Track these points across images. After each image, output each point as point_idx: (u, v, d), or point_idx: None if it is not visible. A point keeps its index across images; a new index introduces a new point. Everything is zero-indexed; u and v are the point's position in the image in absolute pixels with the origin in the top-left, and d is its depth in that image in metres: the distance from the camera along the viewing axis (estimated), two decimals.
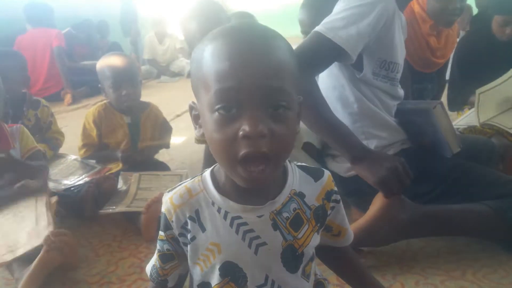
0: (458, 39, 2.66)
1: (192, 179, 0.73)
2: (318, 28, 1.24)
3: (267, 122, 0.58)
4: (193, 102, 0.68)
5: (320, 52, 1.24)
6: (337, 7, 1.28)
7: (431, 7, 2.07)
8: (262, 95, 0.58)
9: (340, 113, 1.38)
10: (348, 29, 1.21)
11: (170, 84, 5.36)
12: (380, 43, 1.31)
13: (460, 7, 1.99)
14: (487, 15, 2.33)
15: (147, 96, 2.00)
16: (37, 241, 1.27)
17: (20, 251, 1.27)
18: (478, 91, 1.99)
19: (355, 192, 1.43)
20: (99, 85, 1.93)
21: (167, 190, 0.73)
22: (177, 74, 5.65)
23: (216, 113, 0.59)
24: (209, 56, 0.61)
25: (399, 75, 1.42)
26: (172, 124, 2.18)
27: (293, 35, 2.44)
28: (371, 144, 1.39)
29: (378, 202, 1.26)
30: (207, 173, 0.73)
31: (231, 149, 0.59)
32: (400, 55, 1.40)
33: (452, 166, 1.36)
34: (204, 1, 1.81)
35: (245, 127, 0.57)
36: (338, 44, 1.21)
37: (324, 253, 0.85)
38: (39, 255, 1.24)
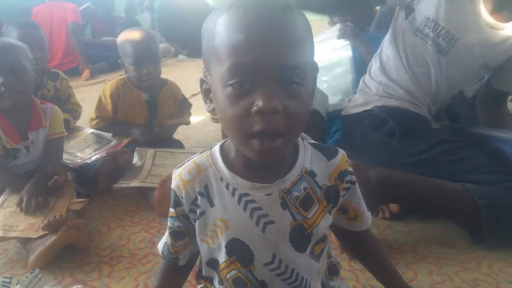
0: None
1: (201, 154, 0.72)
2: None
3: (281, 97, 0.56)
4: (204, 76, 0.66)
5: None
6: None
7: None
8: (277, 70, 0.56)
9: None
10: None
11: (187, 63, 5.33)
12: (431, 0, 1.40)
13: None
14: None
15: (164, 74, 1.98)
16: (32, 234, 1.28)
17: (11, 234, 1.28)
18: None
19: (347, 137, 1.54)
20: (119, 61, 1.91)
21: (177, 167, 0.72)
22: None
23: (230, 88, 0.58)
24: (223, 28, 0.58)
25: (446, 44, 1.40)
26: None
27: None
28: (380, 89, 1.47)
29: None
30: (216, 147, 0.71)
31: (243, 124, 0.57)
32: (451, 22, 1.39)
33: (445, 139, 1.35)
34: None
35: (258, 103, 0.55)
36: None
37: (343, 235, 0.83)
38: (55, 236, 1.24)
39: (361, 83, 1.58)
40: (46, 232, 1.27)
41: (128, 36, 1.86)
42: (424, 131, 1.38)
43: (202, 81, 0.67)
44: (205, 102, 0.67)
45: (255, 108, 0.56)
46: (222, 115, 0.61)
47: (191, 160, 0.71)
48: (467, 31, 1.39)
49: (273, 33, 0.56)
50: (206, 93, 0.67)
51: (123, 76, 1.93)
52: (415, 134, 1.36)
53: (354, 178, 0.75)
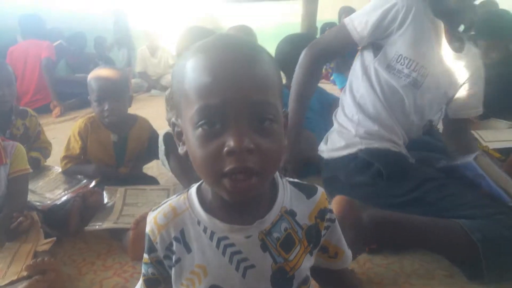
0: None
1: (178, 196, 0.70)
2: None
3: (253, 136, 0.56)
4: (176, 119, 0.66)
5: (336, 38, 1.53)
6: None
7: None
8: (247, 109, 0.56)
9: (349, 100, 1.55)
10: (360, 19, 1.44)
11: (160, 98, 5.30)
12: (400, 38, 1.43)
13: None
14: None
15: (137, 110, 1.96)
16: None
17: None
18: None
19: (331, 179, 1.50)
20: (88, 97, 1.89)
21: (152, 209, 0.70)
22: (167, 88, 5.62)
23: (200, 129, 0.57)
24: (191, 71, 0.58)
25: (421, 78, 1.44)
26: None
27: None
28: (360, 130, 1.47)
29: (338, 203, 1.23)
30: (193, 189, 0.70)
31: (215, 165, 0.56)
32: (423, 56, 1.43)
33: (430, 177, 1.36)
34: (197, 30, 1.82)
35: (230, 143, 0.55)
36: (349, 30, 1.46)
37: (321, 276, 0.81)
38: (24, 284, 1.17)
39: (335, 124, 1.58)
40: (14, 279, 1.19)
41: (95, 73, 1.85)
42: (409, 171, 1.39)
43: (173, 124, 0.66)
44: (178, 145, 0.66)
45: (226, 148, 0.55)
46: (194, 156, 0.60)
47: (168, 203, 0.69)
48: (435, 62, 1.45)
49: (241, 72, 0.56)
50: (178, 136, 0.66)
51: (93, 114, 1.90)
52: (401, 174, 1.36)
53: (334, 216, 0.74)
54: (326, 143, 1.57)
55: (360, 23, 1.44)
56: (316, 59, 1.57)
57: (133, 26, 6.45)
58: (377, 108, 1.48)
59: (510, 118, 2.27)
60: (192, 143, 0.59)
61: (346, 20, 1.49)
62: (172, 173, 1.89)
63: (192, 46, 0.63)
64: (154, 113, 3.99)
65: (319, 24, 5.84)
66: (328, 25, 5.37)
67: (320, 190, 0.74)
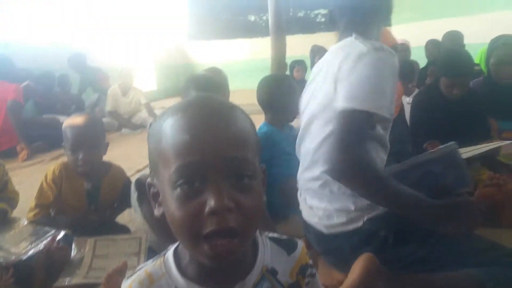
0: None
1: (154, 261, 0.67)
2: (354, 106, 1.21)
3: (233, 194, 0.56)
4: (151, 179, 0.64)
5: (364, 127, 1.24)
6: (358, 75, 1.24)
7: None
8: (226, 167, 0.56)
9: None
10: (382, 98, 1.23)
11: (131, 137, 5.25)
12: None
13: None
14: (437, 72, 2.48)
15: (108, 150, 1.92)
16: None
17: None
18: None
19: (334, 251, 1.40)
20: (62, 144, 1.85)
21: (126, 277, 0.66)
22: (139, 126, 5.56)
23: (178, 189, 0.56)
24: (169, 130, 0.58)
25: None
26: (132, 179, 2.08)
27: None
28: (359, 202, 1.34)
29: (356, 270, 1.22)
30: (170, 253, 0.67)
31: (195, 226, 0.55)
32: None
33: (430, 231, 1.30)
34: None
35: (210, 202, 0.54)
36: (382, 114, 1.23)
37: None
38: None
39: (325, 201, 1.41)
40: None
41: (69, 121, 1.82)
42: (411, 230, 1.33)
43: (149, 185, 0.65)
44: (154, 207, 0.65)
45: (207, 208, 0.54)
46: (172, 218, 0.58)
47: (143, 269, 0.66)
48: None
49: (219, 130, 0.57)
50: (155, 197, 0.64)
51: (65, 159, 1.85)
52: (405, 236, 1.32)
53: (314, 270, 0.74)
54: (321, 218, 1.42)
55: (387, 105, 1.26)
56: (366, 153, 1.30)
57: (105, 64, 6.42)
58: None
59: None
60: (170, 203, 0.58)
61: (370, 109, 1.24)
62: (144, 221, 1.84)
63: (168, 107, 0.63)
64: (125, 153, 3.93)
65: (288, 60, 6.00)
66: (297, 63, 5.49)
67: (300, 244, 0.73)
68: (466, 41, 4.63)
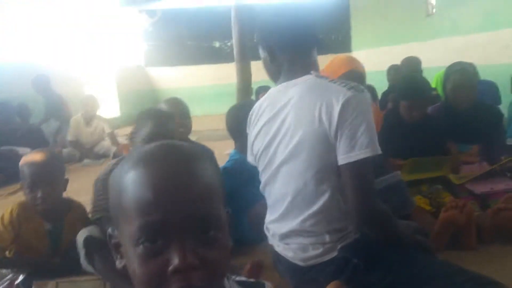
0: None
1: None
2: (362, 156, 1.26)
3: (198, 250, 0.54)
4: (112, 230, 0.62)
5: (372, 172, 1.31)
6: (358, 122, 1.27)
7: None
8: (190, 222, 0.54)
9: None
10: (376, 137, 1.30)
11: (93, 168, 5.09)
12: None
13: None
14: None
15: (69, 182, 1.86)
16: None
17: None
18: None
19: (310, 282, 1.39)
20: (20, 182, 1.77)
21: None
22: (101, 156, 5.41)
23: (140, 246, 0.54)
24: (130, 185, 0.56)
25: None
26: None
27: (222, 112, 2.49)
28: (333, 235, 1.37)
29: None
30: None
31: (158, 284, 0.53)
32: None
33: (400, 255, 1.35)
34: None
35: (174, 261, 0.52)
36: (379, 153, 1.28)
37: None
38: None
39: (297, 236, 1.41)
40: None
41: (26, 158, 1.76)
42: (379, 255, 1.35)
43: (110, 236, 0.62)
44: (116, 258, 0.62)
45: (171, 267, 0.52)
46: (134, 274, 0.56)
47: None
48: None
49: (182, 186, 0.55)
50: (116, 248, 0.61)
51: (23, 199, 1.78)
52: (374, 261, 1.33)
53: None
54: (296, 252, 1.41)
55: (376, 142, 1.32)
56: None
57: (65, 90, 6.25)
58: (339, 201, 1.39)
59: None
60: (132, 260, 0.55)
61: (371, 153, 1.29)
62: (100, 276, 1.72)
63: (129, 156, 0.61)
64: (86, 186, 3.80)
65: (254, 86, 6.06)
66: (263, 89, 5.54)
67: (268, 286, 0.71)
68: (423, 65, 4.85)
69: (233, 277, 0.72)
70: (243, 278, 0.73)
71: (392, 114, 2.58)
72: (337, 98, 1.27)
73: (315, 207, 1.35)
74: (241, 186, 2.05)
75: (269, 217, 1.53)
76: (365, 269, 1.31)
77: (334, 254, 1.36)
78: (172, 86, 10.31)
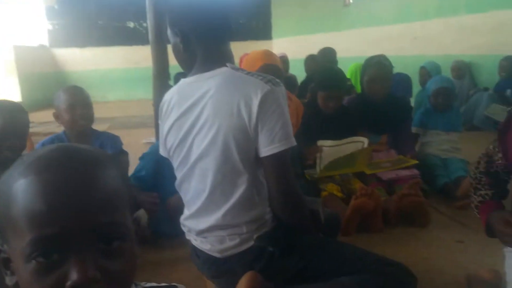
0: None
1: None
2: (282, 147, 1.28)
3: (99, 262, 0.49)
4: (1, 244, 0.54)
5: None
6: (276, 116, 1.28)
7: None
8: (91, 234, 0.49)
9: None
10: (291, 130, 1.32)
11: None
12: None
13: None
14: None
15: None
16: None
17: None
18: (319, 143, 2.31)
19: (227, 273, 1.40)
20: None
21: None
22: None
23: (33, 262, 0.47)
24: (20, 195, 0.49)
25: None
26: None
27: (138, 98, 2.34)
28: (249, 225, 1.36)
29: (241, 285, 1.25)
30: None
31: None
32: None
33: (312, 241, 1.40)
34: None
35: (72, 275, 0.47)
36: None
37: None
38: None
39: (221, 222, 1.39)
40: None
41: None
42: (294, 242, 1.38)
43: None
44: (5, 275, 0.54)
45: (69, 282, 0.47)
46: None
47: None
48: None
49: (81, 195, 0.49)
50: (5, 263, 0.54)
51: None
52: (288, 248, 1.36)
53: None
54: (213, 244, 1.40)
55: None
56: None
57: None
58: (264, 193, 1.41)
59: None
60: (24, 277, 0.49)
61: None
62: None
63: (20, 160, 0.53)
64: None
65: (172, 70, 5.86)
66: (181, 75, 5.37)
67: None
68: (340, 54, 5.04)
69: (142, 284, 0.67)
70: (153, 284, 0.69)
71: (311, 105, 2.64)
72: (256, 92, 1.26)
73: (232, 200, 1.34)
74: (162, 173, 1.98)
75: (185, 213, 1.48)
76: (280, 256, 1.34)
77: (251, 243, 1.36)
78: (80, 68, 9.65)
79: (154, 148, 2.07)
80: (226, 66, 1.33)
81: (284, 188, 1.32)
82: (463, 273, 1.66)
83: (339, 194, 2.28)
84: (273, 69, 2.07)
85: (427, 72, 4.47)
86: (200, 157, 1.34)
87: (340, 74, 2.64)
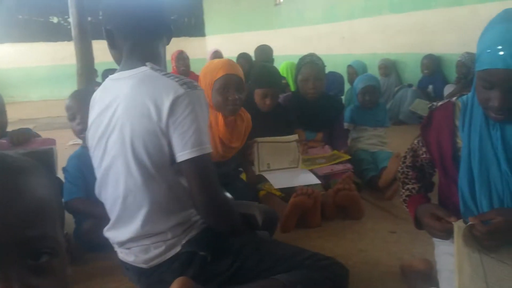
0: None
1: None
2: (195, 154, 1.21)
3: (26, 280, 0.45)
4: None
5: (212, 166, 1.28)
6: (190, 121, 1.21)
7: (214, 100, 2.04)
8: (16, 249, 0.45)
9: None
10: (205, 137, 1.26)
11: None
12: None
13: (238, 98, 2.03)
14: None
15: None
16: None
17: None
18: (257, 139, 2.31)
19: (158, 283, 1.33)
20: None
21: None
22: None
23: None
24: None
25: None
26: None
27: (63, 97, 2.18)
28: (174, 230, 1.31)
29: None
30: None
31: None
32: None
33: (245, 242, 1.38)
34: None
35: None
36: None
37: None
38: None
39: (142, 232, 1.32)
40: None
41: None
42: (226, 243, 1.35)
43: None
44: None
45: None
46: None
47: None
48: None
49: (4, 207, 0.45)
50: None
51: None
52: (222, 250, 1.33)
53: None
54: (137, 255, 1.34)
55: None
56: None
57: None
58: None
59: None
60: None
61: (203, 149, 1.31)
62: None
63: None
64: None
65: (99, 67, 5.58)
66: (110, 72, 5.12)
67: None
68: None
69: None
70: None
71: (247, 103, 2.62)
72: (168, 94, 1.20)
73: (147, 208, 1.28)
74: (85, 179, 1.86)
75: (108, 230, 1.41)
76: (213, 260, 1.31)
77: (178, 249, 1.31)
78: (0, 66, 8.88)
79: (75, 162, 1.96)
80: (146, 65, 1.27)
81: (206, 195, 1.25)
82: (397, 263, 1.74)
83: (278, 193, 2.29)
84: (235, 80, 2.01)
85: (354, 70, 4.66)
86: (113, 161, 1.28)
87: (276, 71, 2.68)
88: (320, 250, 1.88)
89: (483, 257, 1.13)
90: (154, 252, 1.31)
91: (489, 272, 1.09)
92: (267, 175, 2.33)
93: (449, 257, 1.15)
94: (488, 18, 1.15)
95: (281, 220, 2.06)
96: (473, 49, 1.21)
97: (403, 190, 1.44)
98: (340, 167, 2.56)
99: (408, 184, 1.43)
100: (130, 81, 1.26)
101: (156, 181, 1.26)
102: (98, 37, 1.51)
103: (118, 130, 1.25)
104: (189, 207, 1.32)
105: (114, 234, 1.36)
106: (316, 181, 2.37)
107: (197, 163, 1.22)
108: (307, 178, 2.40)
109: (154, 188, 1.26)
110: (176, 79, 1.24)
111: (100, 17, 1.36)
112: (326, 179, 2.52)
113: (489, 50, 1.06)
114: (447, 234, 1.21)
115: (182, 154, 1.21)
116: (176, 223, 1.30)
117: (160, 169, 1.25)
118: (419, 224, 1.36)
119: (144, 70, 1.26)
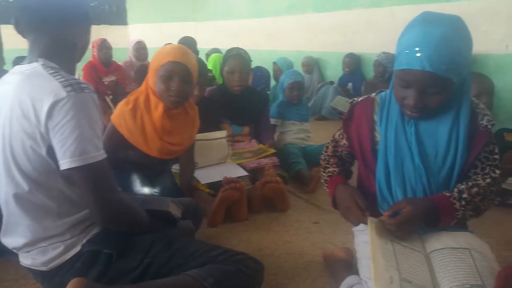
0: None
1: None
2: (74, 164, 1.11)
3: None
4: None
5: (106, 171, 1.19)
6: (72, 127, 1.10)
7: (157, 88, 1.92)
8: None
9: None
10: (98, 138, 1.17)
11: None
12: None
13: (182, 90, 1.91)
14: None
15: None
16: None
17: None
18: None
19: (62, 285, 1.22)
20: None
21: None
22: None
23: None
24: None
25: None
26: None
27: None
28: (73, 230, 1.24)
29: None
30: None
31: None
32: None
33: (156, 238, 1.34)
34: None
35: None
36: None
37: None
38: None
39: (33, 237, 1.24)
40: None
41: None
42: (136, 240, 1.31)
43: None
44: None
45: None
46: None
47: None
48: None
49: None
50: None
51: None
52: (130, 247, 1.28)
53: None
54: (35, 257, 1.25)
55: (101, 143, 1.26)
56: None
57: None
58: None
59: None
60: None
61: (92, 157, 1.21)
62: None
63: None
64: None
65: (9, 55, 5.11)
66: (20, 59, 4.71)
67: None
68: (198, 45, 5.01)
69: None
70: None
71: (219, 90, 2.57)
72: (48, 96, 1.09)
73: (37, 212, 1.20)
74: None
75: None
76: (120, 257, 1.26)
77: (78, 249, 1.24)
78: None
79: None
80: (37, 61, 1.17)
81: (97, 201, 1.17)
82: (320, 252, 1.81)
83: (206, 190, 2.26)
84: (181, 69, 1.89)
85: (279, 67, 4.76)
86: (1, 163, 1.19)
87: (202, 63, 2.63)
88: (248, 243, 1.92)
89: (396, 246, 1.21)
90: (52, 253, 1.23)
91: (401, 260, 1.17)
92: (195, 172, 2.30)
93: (367, 246, 1.22)
94: (404, 20, 1.21)
95: (209, 215, 2.04)
96: (390, 49, 1.28)
97: (324, 174, 1.50)
98: (266, 161, 2.60)
99: (329, 168, 1.49)
100: (17, 78, 1.16)
101: (42, 186, 1.17)
102: (8, 21, 1.36)
103: (2, 132, 1.16)
104: (82, 207, 1.25)
105: (8, 240, 1.26)
106: (244, 173, 2.38)
107: (80, 173, 1.13)
108: (234, 171, 2.40)
109: (39, 193, 1.17)
110: (62, 80, 1.12)
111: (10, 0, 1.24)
112: (254, 173, 2.55)
113: (407, 51, 1.12)
114: (359, 223, 1.31)
115: (63, 163, 1.11)
116: (71, 224, 1.23)
117: (45, 174, 1.16)
118: (335, 204, 1.42)
119: (35, 66, 1.16)
